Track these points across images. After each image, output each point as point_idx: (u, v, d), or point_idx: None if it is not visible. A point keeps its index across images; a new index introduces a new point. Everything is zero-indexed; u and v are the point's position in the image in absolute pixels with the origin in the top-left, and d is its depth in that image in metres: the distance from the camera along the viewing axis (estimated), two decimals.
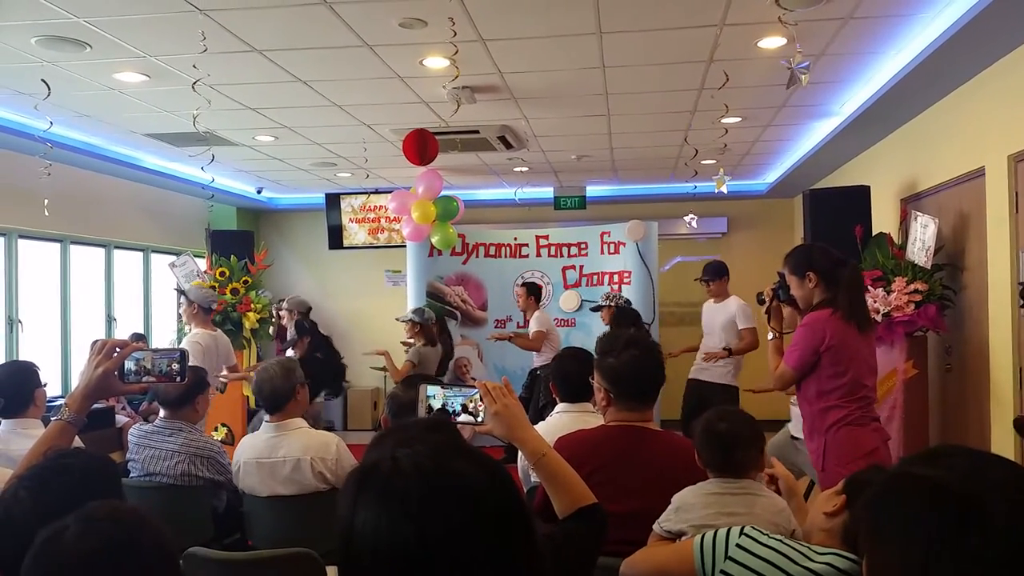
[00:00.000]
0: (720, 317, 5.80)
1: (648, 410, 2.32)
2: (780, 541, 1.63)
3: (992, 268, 4.37)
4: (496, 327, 7.63)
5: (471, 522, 0.96)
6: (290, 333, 6.08)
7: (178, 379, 1.90)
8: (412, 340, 6.16)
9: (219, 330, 5.53)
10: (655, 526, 2.05)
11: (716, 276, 5.93)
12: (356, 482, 1.02)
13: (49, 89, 4.58)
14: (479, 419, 1.81)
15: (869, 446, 3.20)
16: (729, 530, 1.70)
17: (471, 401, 1.85)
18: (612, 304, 6.22)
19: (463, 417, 1.84)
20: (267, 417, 3.21)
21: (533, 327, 6.65)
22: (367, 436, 7.39)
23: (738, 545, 1.64)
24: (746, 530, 1.67)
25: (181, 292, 5.29)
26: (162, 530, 1.25)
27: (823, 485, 3.38)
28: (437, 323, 6.50)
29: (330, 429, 7.76)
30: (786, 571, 1.55)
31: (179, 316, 5.30)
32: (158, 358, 1.88)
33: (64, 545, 1.17)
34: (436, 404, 1.89)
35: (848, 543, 1.58)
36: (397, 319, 6.45)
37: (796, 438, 4.41)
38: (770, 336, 3.56)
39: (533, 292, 6.85)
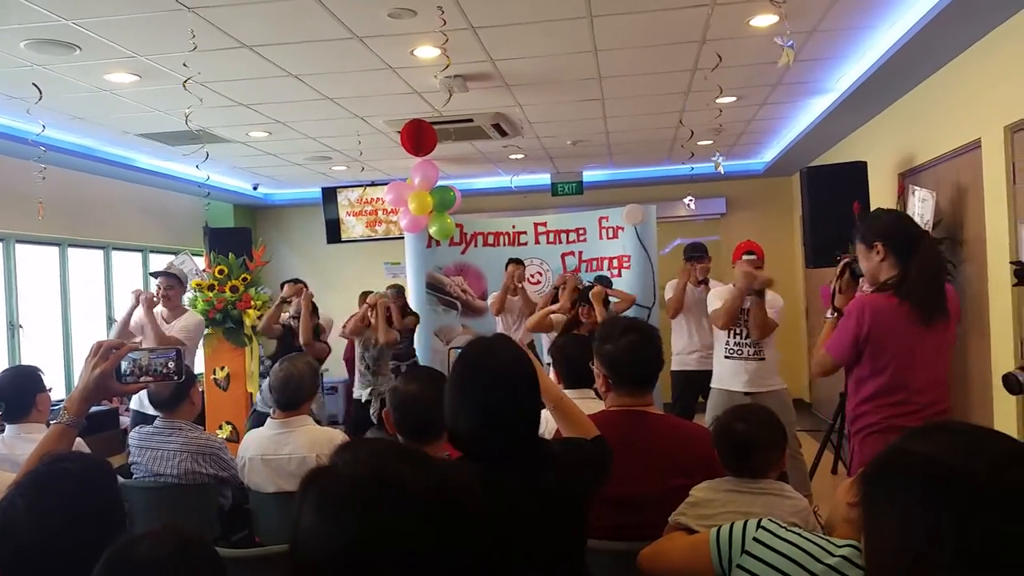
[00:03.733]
0: (708, 299, 5.27)
1: (647, 394, 2.31)
2: (798, 535, 1.57)
3: (991, 240, 4.35)
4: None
5: (409, 529, 0.96)
6: (294, 308, 5.86)
7: (175, 378, 1.90)
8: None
9: None
10: (671, 518, 2.02)
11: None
12: (301, 488, 1.03)
13: (40, 92, 4.57)
14: None
15: None
16: (746, 523, 1.65)
17: None
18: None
19: None
20: (273, 412, 3.21)
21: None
22: (374, 431, 7.37)
23: (755, 539, 1.59)
24: (763, 523, 1.62)
25: (175, 276, 5.21)
26: (213, 549, 1.37)
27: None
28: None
29: (334, 424, 7.79)
30: (805, 567, 1.49)
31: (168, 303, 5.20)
32: (154, 357, 1.88)
33: (138, 553, 1.25)
34: None
35: None
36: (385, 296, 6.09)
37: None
38: (829, 314, 3.13)
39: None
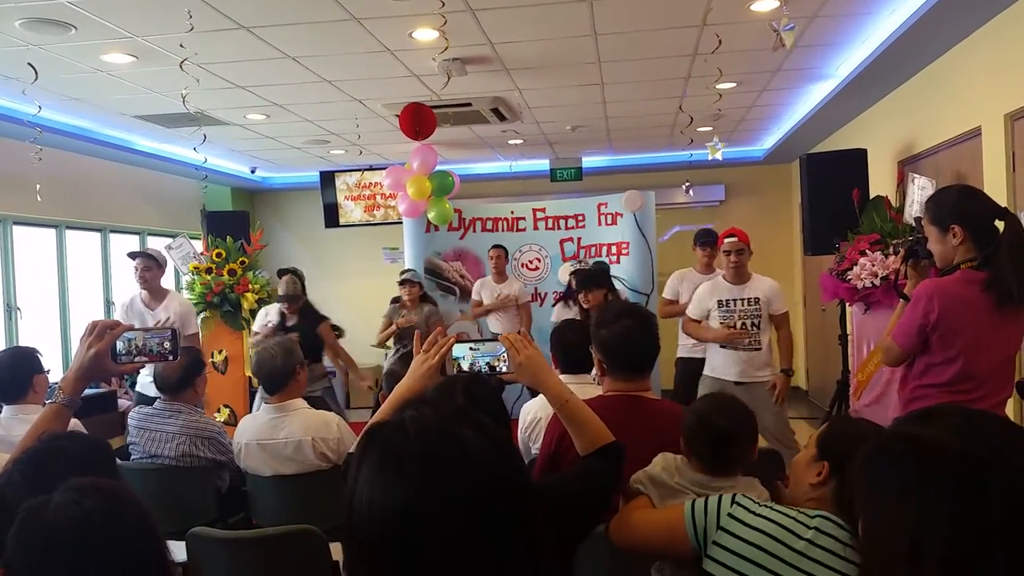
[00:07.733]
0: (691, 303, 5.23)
1: (644, 380, 2.30)
2: (771, 508, 1.59)
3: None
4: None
5: (468, 492, 0.94)
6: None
7: (170, 357, 1.89)
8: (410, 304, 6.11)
9: None
10: (630, 482, 1.94)
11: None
12: (363, 440, 1.02)
13: (36, 73, 4.54)
14: (504, 369, 1.88)
15: None
16: (720, 498, 1.66)
17: (499, 360, 1.88)
18: (571, 275, 6.02)
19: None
20: (266, 397, 3.21)
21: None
22: (368, 414, 7.41)
23: (730, 515, 1.61)
24: (737, 498, 1.64)
25: (153, 257, 5.10)
26: (143, 504, 1.27)
27: None
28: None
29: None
30: (785, 543, 1.51)
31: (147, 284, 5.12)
32: (149, 337, 1.87)
33: (47, 515, 1.18)
34: (465, 365, 1.90)
35: (843, 508, 1.54)
36: (406, 279, 6.22)
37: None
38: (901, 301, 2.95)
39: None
